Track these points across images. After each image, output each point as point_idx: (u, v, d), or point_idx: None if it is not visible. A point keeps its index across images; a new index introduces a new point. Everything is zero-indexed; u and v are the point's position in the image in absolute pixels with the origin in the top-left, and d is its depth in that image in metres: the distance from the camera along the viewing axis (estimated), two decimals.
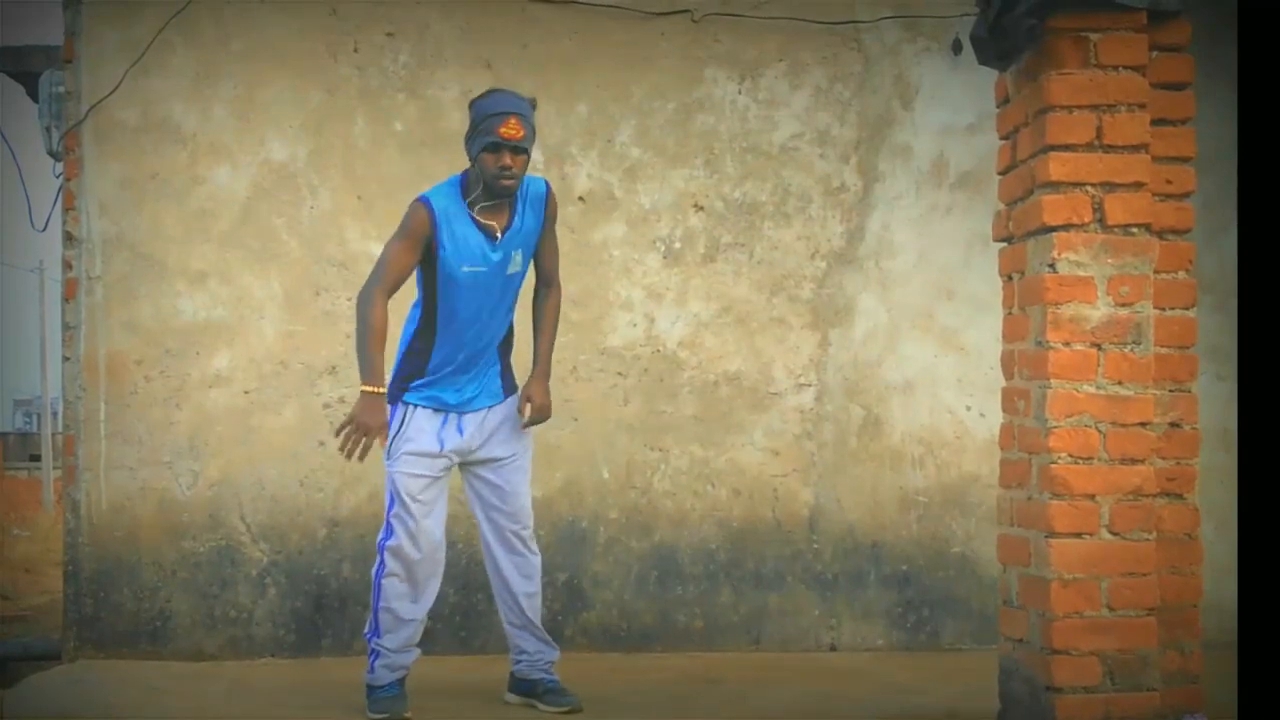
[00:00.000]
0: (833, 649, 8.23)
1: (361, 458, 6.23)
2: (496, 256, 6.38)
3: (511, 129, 6.18)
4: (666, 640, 8.16)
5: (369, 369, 6.30)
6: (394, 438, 6.46)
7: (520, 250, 6.46)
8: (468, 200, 6.35)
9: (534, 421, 6.62)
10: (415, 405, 6.47)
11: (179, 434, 8.03)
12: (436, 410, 6.48)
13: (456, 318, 6.42)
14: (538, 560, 6.77)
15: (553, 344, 6.74)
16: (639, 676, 7.46)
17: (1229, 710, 5.09)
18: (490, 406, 6.56)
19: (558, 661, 6.81)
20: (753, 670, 7.62)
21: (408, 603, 6.55)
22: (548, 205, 6.54)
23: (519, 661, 6.78)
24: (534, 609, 6.74)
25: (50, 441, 41.62)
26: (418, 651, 6.68)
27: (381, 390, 6.27)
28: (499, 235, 6.37)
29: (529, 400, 6.58)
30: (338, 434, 6.26)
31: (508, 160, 6.21)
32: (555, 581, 8.09)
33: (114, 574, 7.99)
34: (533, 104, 6.40)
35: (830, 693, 7.04)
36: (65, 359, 8.10)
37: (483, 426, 6.54)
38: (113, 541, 8.00)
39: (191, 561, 8.02)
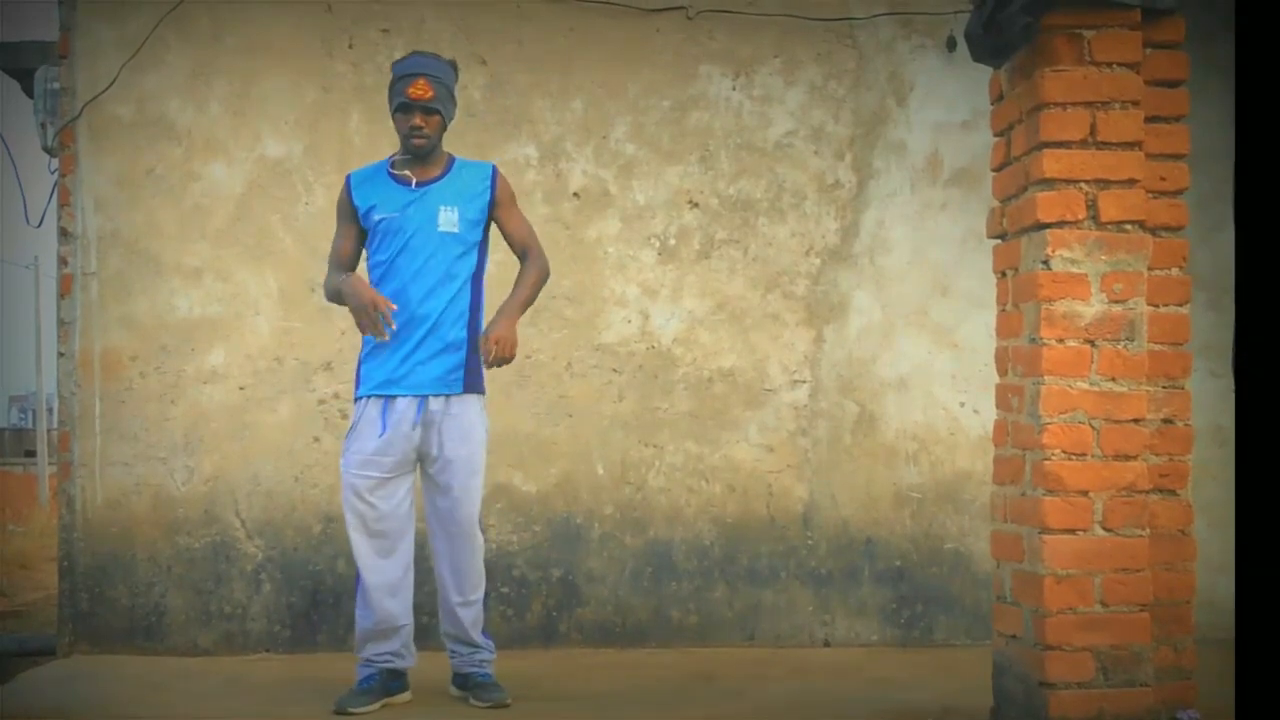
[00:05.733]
0: (827, 645, 8.23)
1: (390, 327, 6.43)
2: (413, 200, 6.54)
3: (419, 89, 6.45)
4: (661, 636, 8.16)
5: (336, 278, 6.67)
6: (348, 435, 6.61)
7: (454, 210, 6.56)
8: (390, 162, 6.66)
9: (497, 361, 6.49)
10: (366, 399, 6.55)
11: (174, 430, 8.03)
12: (386, 398, 6.50)
13: (386, 269, 6.55)
14: (479, 562, 6.70)
15: (529, 294, 6.72)
16: (633, 672, 7.45)
17: (1222, 706, 5.10)
18: (446, 395, 6.52)
19: (493, 660, 6.80)
20: (747, 666, 7.61)
21: (384, 606, 6.63)
22: (496, 185, 6.69)
23: (453, 656, 6.80)
24: (470, 618, 6.71)
25: (45, 437, 41.61)
26: (399, 660, 6.70)
27: (349, 275, 6.59)
28: (414, 182, 6.57)
29: (488, 334, 6.50)
30: (364, 332, 6.54)
31: (417, 120, 6.50)
32: (550, 577, 8.10)
33: (109, 570, 7.99)
34: (453, 65, 6.72)
35: (824, 689, 7.04)
36: (60, 355, 8.10)
37: (435, 417, 6.50)
38: (108, 537, 8.00)
39: (186, 557, 8.02)
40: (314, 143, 8.13)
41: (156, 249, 8.05)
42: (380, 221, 6.57)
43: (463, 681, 6.76)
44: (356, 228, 6.68)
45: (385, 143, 7.91)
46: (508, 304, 6.61)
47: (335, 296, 6.69)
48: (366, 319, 6.41)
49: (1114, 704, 5.23)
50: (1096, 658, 5.24)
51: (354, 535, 6.58)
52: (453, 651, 6.80)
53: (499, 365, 6.53)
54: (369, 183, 6.66)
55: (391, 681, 6.67)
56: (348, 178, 6.76)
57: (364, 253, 6.76)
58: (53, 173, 8.47)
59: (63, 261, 8.09)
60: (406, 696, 6.72)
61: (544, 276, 6.78)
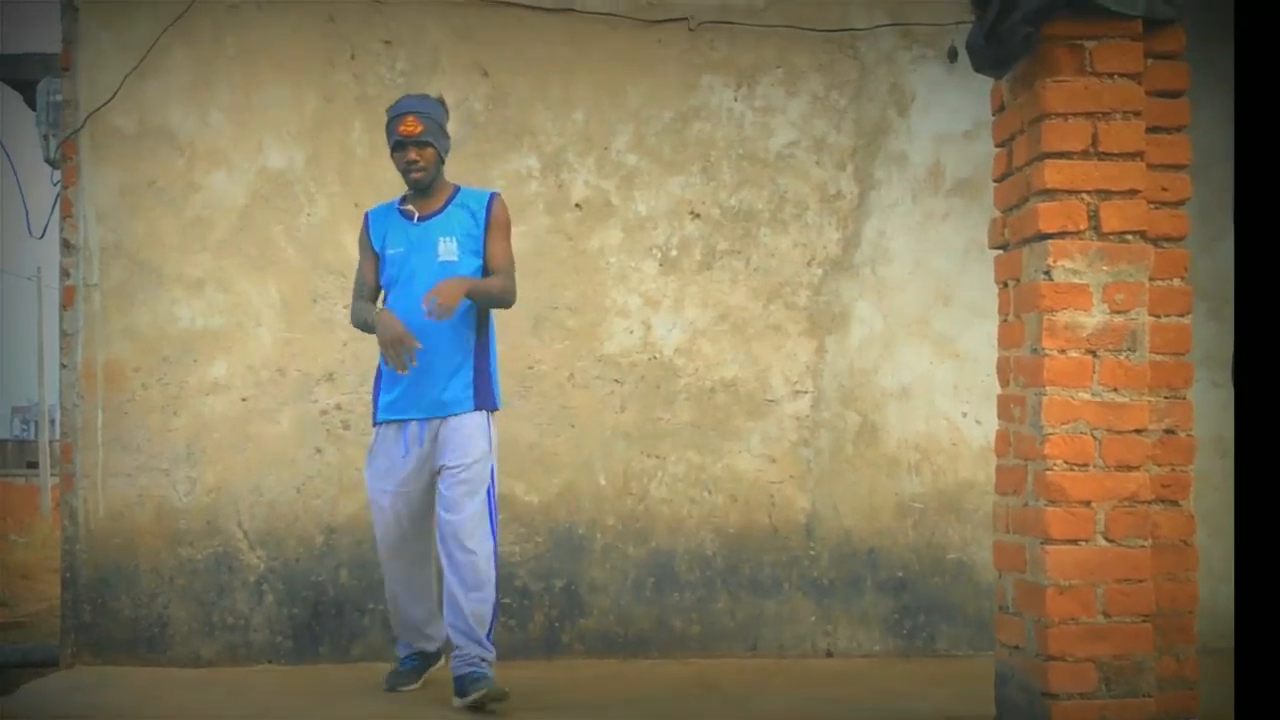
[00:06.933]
0: (829, 655, 8.23)
1: (412, 362, 6.66)
2: (415, 235, 6.92)
3: (408, 126, 6.86)
4: (663, 646, 8.16)
5: (365, 310, 6.97)
6: (368, 455, 7.09)
7: (453, 240, 6.92)
8: (401, 199, 7.08)
9: (432, 308, 6.61)
10: (383, 424, 6.97)
11: (176, 441, 8.03)
12: (401, 422, 6.91)
13: (395, 304, 6.89)
14: (477, 563, 6.82)
15: (488, 287, 6.86)
16: (635, 683, 7.45)
17: (1223, 715, 5.10)
18: (457, 415, 6.86)
19: (489, 662, 6.85)
20: (749, 676, 7.61)
21: (401, 593, 7.14)
22: (490, 209, 7.01)
23: (455, 657, 6.91)
24: (470, 608, 6.81)
25: (48, 449, 41.60)
26: (429, 643, 7.23)
27: (381, 308, 6.88)
28: (416, 218, 6.94)
29: (432, 289, 6.69)
30: (388, 363, 6.79)
31: (412, 155, 6.90)
32: (552, 588, 8.09)
33: (112, 581, 7.99)
34: (440, 101, 7.10)
35: (826, 698, 7.03)
36: (63, 366, 8.10)
37: (440, 433, 6.86)
38: (110, 548, 8.00)
39: (189, 568, 8.02)
40: (316, 153, 8.14)
41: (158, 260, 8.06)
42: (390, 257, 6.97)
43: (461, 684, 6.79)
44: (375, 261, 7.07)
45: (387, 153, 7.89)
46: (469, 278, 6.83)
47: (364, 326, 7.00)
48: (392, 351, 6.67)
49: (1116, 714, 5.24)
50: (1099, 668, 5.24)
51: (379, 540, 7.08)
52: (454, 650, 6.89)
53: (436, 319, 6.65)
54: (383, 219, 7.07)
55: (430, 658, 7.33)
56: (366, 215, 7.17)
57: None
58: (55, 184, 8.48)
59: (65, 273, 8.09)
60: (440, 664, 7.31)
61: (506, 294, 6.98)
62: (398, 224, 7.00)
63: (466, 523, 6.78)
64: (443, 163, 7.00)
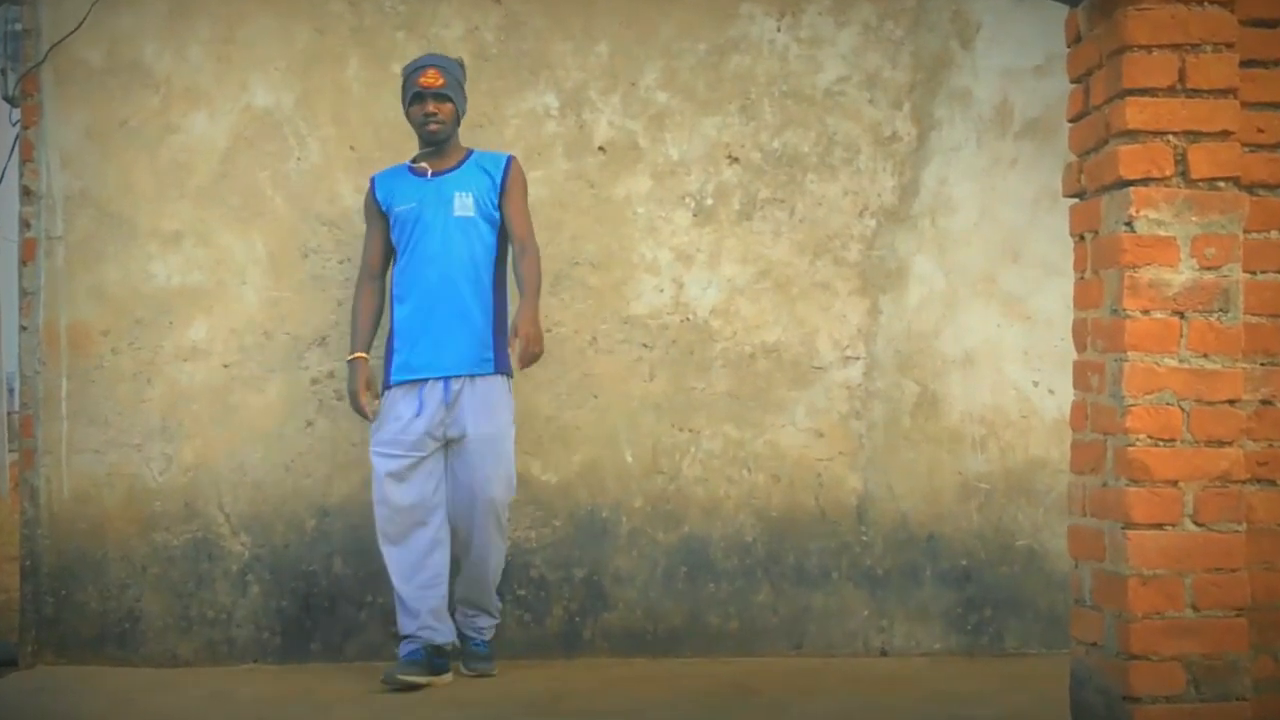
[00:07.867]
0: (883, 654, 8.25)
1: (372, 417, 7.50)
2: (429, 190, 7.52)
3: (429, 78, 7.46)
4: (697, 644, 8.19)
5: (351, 341, 7.68)
6: (376, 422, 7.42)
7: (469, 196, 7.53)
8: (411, 160, 7.68)
9: (528, 357, 7.18)
10: (394, 386, 7.35)
11: (150, 413, 8.06)
12: (414, 384, 7.33)
13: (409, 259, 7.52)
14: (504, 549, 7.62)
15: (535, 289, 7.36)
16: (665, 685, 7.48)
17: None
18: (474, 376, 7.33)
19: (493, 627, 7.65)
20: (793, 678, 7.64)
21: (406, 582, 7.40)
22: (508, 170, 7.64)
23: (463, 621, 7.61)
24: (478, 574, 7.52)
25: (6, 421, 41.58)
26: (435, 633, 7.39)
27: (358, 356, 7.57)
28: (430, 173, 7.56)
29: (515, 332, 7.17)
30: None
31: (431, 107, 7.49)
32: (572, 578, 8.13)
33: (77, 570, 8.03)
34: (460, 63, 7.69)
35: (880, 703, 7.06)
36: (23, 329, 8.12)
37: (462, 396, 7.31)
38: (76, 534, 8.03)
39: (164, 556, 8.06)
40: (307, 91, 8.16)
41: (130, 210, 8.09)
42: (400, 212, 7.54)
43: (461, 644, 7.52)
44: (383, 225, 7.64)
45: (387, 91, 7.95)
46: (525, 300, 7.27)
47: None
48: (352, 404, 7.62)
49: None
50: (1187, 668, 5.23)
51: (381, 523, 7.41)
52: (460, 613, 7.56)
53: (531, 363, 7.25)
54: (390, 179, 7.65)
55: (435, 658, 7.41)
56: (372, 178, 7.73)
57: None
58: (14, 125, 8.49)
59: (25, 224, 8.11)
60: (448, 678, 7.47)
61: (540, 272, 7.48)
62: (408, 181, 7.56)
63: (506, 500, 7.42)
64: (459, 123, 7.49)
